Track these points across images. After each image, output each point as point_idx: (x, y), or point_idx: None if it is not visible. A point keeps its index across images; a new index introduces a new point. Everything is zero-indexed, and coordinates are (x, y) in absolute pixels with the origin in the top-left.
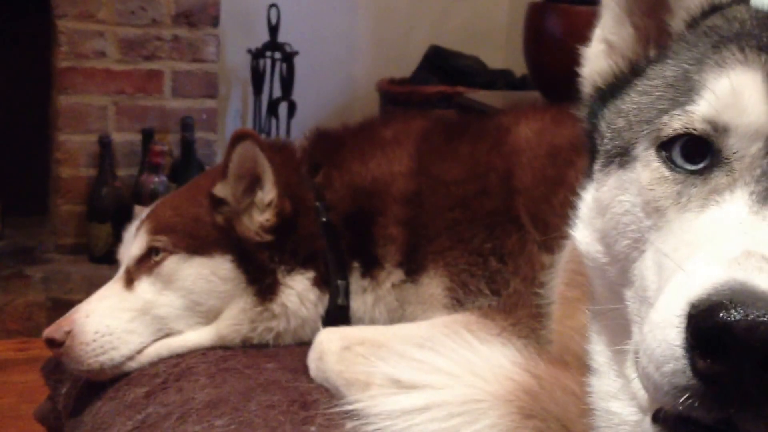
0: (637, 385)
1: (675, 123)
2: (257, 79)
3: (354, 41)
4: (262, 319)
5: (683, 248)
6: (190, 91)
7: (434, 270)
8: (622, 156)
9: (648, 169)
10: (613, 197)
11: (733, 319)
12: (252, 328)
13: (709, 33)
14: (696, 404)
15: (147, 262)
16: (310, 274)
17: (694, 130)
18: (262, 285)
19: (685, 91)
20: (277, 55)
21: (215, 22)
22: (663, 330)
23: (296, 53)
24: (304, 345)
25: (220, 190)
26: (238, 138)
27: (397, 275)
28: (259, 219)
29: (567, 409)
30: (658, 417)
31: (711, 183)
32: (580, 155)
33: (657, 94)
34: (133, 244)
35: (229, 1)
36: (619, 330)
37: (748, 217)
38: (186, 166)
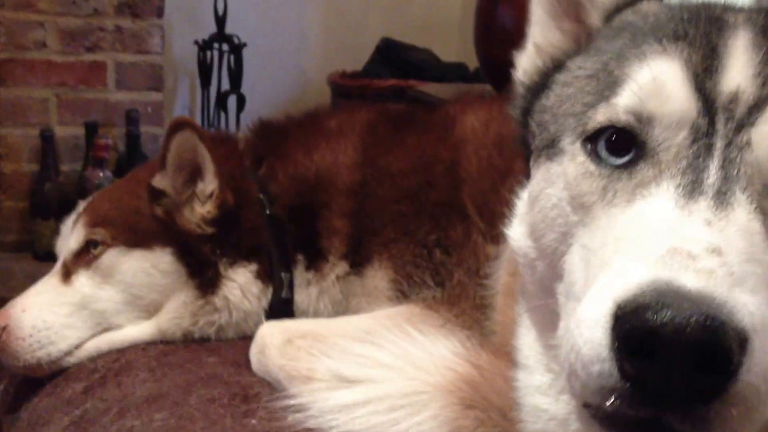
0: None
1: (599, 116)
2: (205, 71)
3: (305, 33)
4: (204, 313)
5: (610, 245)
6: (134, 84)
7: (379, 262)
8: (549, 148)
9: (574, 163)
10: (541, 190)
11: (659, 321)
12: (193, 321)
13: (626, 27)
14: (624, 404)
15: (85, 255)
16: (253, 267)
17: (618, 122)
18: (204, 278)
19: (608, 84)
20: (225, 47)
21: (160, 12)
22: (590, 329)
23: (244, 45)
24: (247, 338)
25: (159, 181)
26: (176, 127)
27: (342, 268)
28: (200, 211)
29: (507, 398)
30: (589, 404)
31: (637, 176)
32: None
33: (580, 86)
34: (70, 237)
35: None
36: (550, 325)
37: (674, 212)
38: (131, 160)
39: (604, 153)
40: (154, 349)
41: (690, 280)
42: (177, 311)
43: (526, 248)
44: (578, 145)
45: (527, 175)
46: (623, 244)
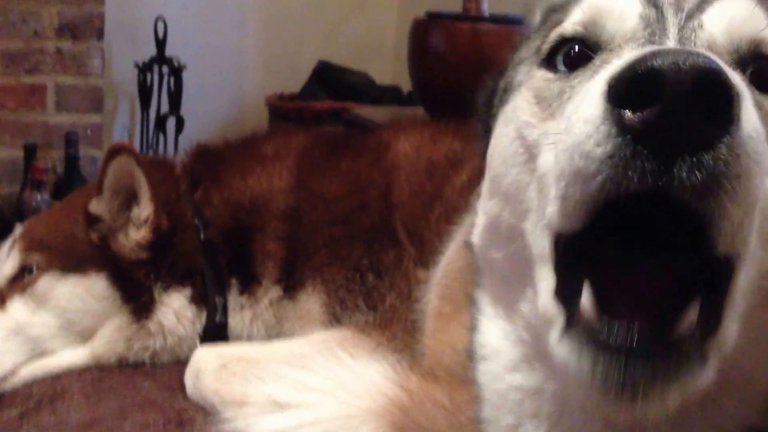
0: (543, 287)
1: (552, 36)
2: (144, 93)
3: (243, 55)
4: (139, 338)
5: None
6: (74, 106)
7: (312, 286)
8: (505, 95)
9: (533, 81)
10: (499, 134)
11: (660, 61)
12: (128, 346)
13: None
14: (625, 171)
15: (20, 280)
16: (188, 292)
17: (568, 33)
18: (138, 303)
19: (555, 22)
20: (165, 69)
21: (100, 34)
22: (581, 119)
23: (184, 67)
24: (182, 363)
25: (96, 206)
26: (114, 152)
27: (275, 292)
28: (135, 236)
29: (436, 422)
30: (568, 329)
31: (596, 64)
32: (457, 171)
33: (528, 41)
34: (5, 262)
35: (114, 13)
36: (520, 279)
37: None
38: (70, 183)
39: (561, 66)
40: (90, 374)
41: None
42: (112, 336)
43: (488, 216)
44: (535, 68)
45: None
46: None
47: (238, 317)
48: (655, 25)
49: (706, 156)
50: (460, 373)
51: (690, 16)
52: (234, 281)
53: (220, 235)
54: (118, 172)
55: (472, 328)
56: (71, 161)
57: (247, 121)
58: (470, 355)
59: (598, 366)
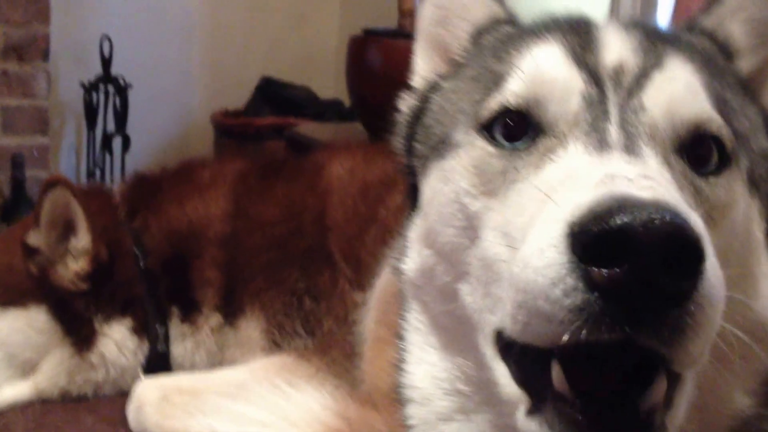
0: (500, 373)
1: (492, 104)
2: (91, 113)
3: (188, 73)
4: (80, 371)
5: (532, 203)
6: (20, 128)
7: (251, 312)
8: (440, 146)
9: (472, 149)
10: (435, 191)
11: (627, 220)
12: (70, 380)
13: (499, 38)
14: (595, 325)
15: None
16: (129, 322)
17: (511, 105)
18: (79, 335)
19: (493, 80)
20: (111, 88)
21: (45, 55)
22: (542, 256)
23: (130, 86)
24: (125, 395)
25: (33, 238)
26: (49, 185)
27: (216, 319)
28: (74, 267)
29: None
30: (535, 409)
31: (540, 149)
32: (391, 192)
33: (465, 88)
34: None
35: (60, 33)
36: (454, 335)
37: (592, 159)
38: (17, 205)
39: (499, 138)
40: (32, 409)
41: (642, 192)
42: (53, 370)
43: (422, 263)
44: (474, 133)
45: (413, 204)
46: (551, 192)
47: (180, 346)
48: (597, 106)
49: (673, 312)
50: (397, 398)
51: (630, 94)
52: (175, 309)
53: (160, 263)
54: (55, 204)
55: (399, 366)
56: (18, 184)
57: (193, 138)
58: (397, 397)
59: None
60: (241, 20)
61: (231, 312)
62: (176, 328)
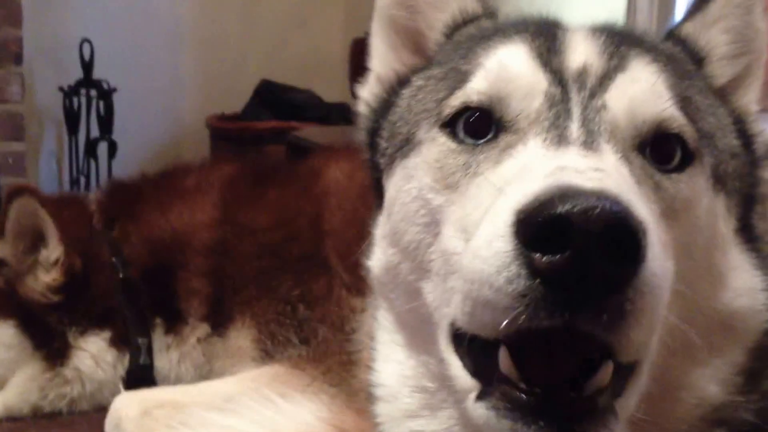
0: (454, 365)
1: (454, 101)
2: (71, 118)
3: (179, 75)
4: (53, 386)
5: (488, 196)
6: None
7: (241, 321)
8: (404, 146)
9: (434, 145)
10: (399, 188)
11: (567, 208)
12: (42, 395)
13: (469, 37)
14: (535, 311)
15: None
16: (106, 334)
17: (473, 102)
18: (51, 349)
19: (459, 79)
20: (93, 92)
21: (18, 59)
22: (489, 246)
23: (114, 90)
24: (103, 410)
25: None
26: (14, 193)
27: (203, 329)
28: (44, 279)
29: None
30: (483, 394)
31: (500, 145)
32: None
33: (431, 87)
34: None
35: (35, 38)
36: (419, 333)
37: (548, 153)
38: None
39: (462, 134)
40: (2, 428)
41: (586, 183)
42: (23, 386)
43: (387, 261)
44: (436, 130)
45: (380, 202)
46: (505, 185)
47: (164, 358)
48: (559, 105)
49: (613, 298)
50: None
51: (593, 95)
52: (158, 320)
53: (141, 273)
54: (21, 214)
55: (369, 365)
56: None
57: (186, 143)
58: (368, 395)
59: (519, 426)
60: (237, 23)
61: (220, 321)
62: (160, 339)
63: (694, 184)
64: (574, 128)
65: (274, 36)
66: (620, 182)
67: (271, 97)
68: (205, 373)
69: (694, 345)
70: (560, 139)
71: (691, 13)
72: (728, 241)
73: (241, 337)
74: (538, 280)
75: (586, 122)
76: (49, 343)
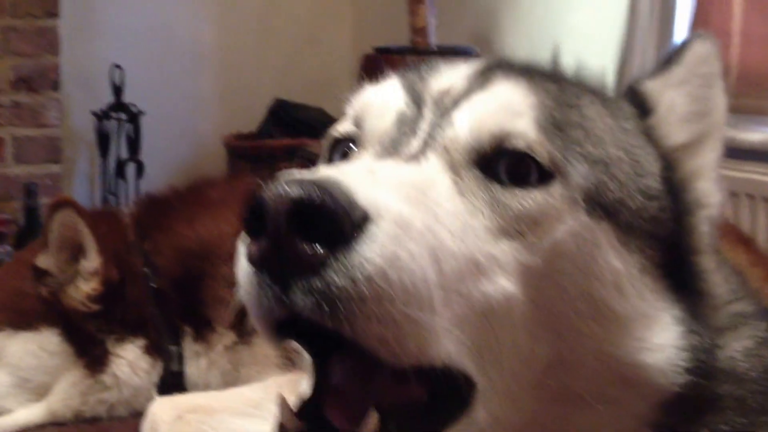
0: None
1: (330, 135)
2: (103, 141)
3: (200, 97)
4: (94, 392)
5: None
6: (32, 157)
7: None
8: None
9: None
10: None
11: (263, 194)
12: (83, 401)
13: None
14: (259, 299)
15: None
16: (141, 342)
17: (339, 134)
18: (92, 356)
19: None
20: (123, 115)
21: (56, 86)
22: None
23: (142, 113)
24: (139, 415)
25: (43, 261)
26: (56, 206)
27: (230, 337)
28: (84, 289)
29: None
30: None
31: (346, 161)
32: None
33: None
34: None
35: (70, 64)
36: None
37: (367, 161)
38: (31, 233)
39: (335, 160)
40: None
41: (343, 178)
42: (67, 392)
43: None
44: (324, 165)
45: None
46: None
47: (194, 365)
48: (408, 123)
49: (316, 281)
50: None
51: (445, 113)
52: (188, 328)
53: (171, 283)
54: (62, 226)
55: None
56: (31, 212)
57: (206, 162)
58: None
59: None
60: (252, 44)
61: (246, 330)
62: (190, 347)
63: (546, 204)
64: (415, 144)
65: (286, 55)
66: (384, 178)
67: (284, 116)
68: (232, 381)
69: (579, 390)
70: (390, 152)
71: (656, 72)
72: (629, 282)
73: (266, 344)
74: (255, 270)
75: (428, 139)
76: (90, 351)
